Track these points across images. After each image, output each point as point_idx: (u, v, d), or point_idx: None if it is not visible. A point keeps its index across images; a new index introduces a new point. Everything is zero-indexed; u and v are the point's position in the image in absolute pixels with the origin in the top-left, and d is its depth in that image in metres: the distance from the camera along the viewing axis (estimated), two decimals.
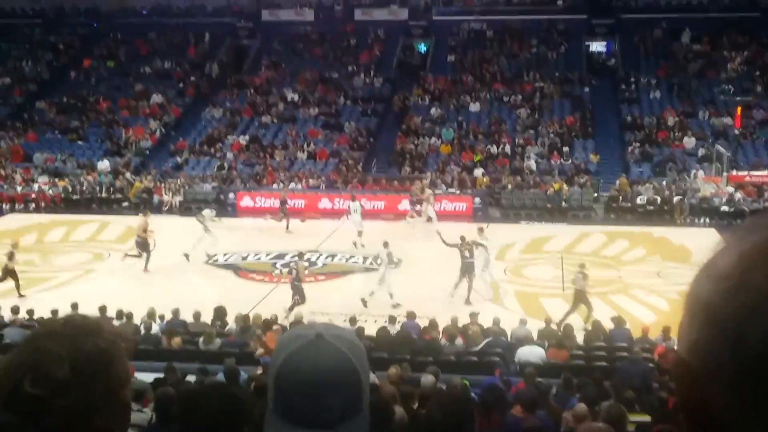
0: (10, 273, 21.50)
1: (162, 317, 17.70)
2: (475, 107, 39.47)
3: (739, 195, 30.04)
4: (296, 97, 41.12)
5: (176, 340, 16.11)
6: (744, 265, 0.82)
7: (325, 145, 37.40)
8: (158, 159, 37.88)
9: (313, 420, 1.56)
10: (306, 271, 21.09)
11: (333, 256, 25.43)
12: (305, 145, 37.22)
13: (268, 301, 20.73)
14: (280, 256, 25.34)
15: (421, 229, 27.50)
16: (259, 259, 25.43)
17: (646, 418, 9.49)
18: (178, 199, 32.92)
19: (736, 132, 34.25)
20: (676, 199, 29.85)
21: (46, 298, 20.27)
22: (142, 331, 16.68)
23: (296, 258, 21.86)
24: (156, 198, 33.06)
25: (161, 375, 12.14)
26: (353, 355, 1.61)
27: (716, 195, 30.11)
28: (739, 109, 34.11)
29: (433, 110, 39.24)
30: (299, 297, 19.80)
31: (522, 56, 43.41)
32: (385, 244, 21.14)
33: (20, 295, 21.02)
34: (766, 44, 41.11)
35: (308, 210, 31.74)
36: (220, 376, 12.08)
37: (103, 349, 1.62)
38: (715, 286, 0.83)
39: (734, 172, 30.60)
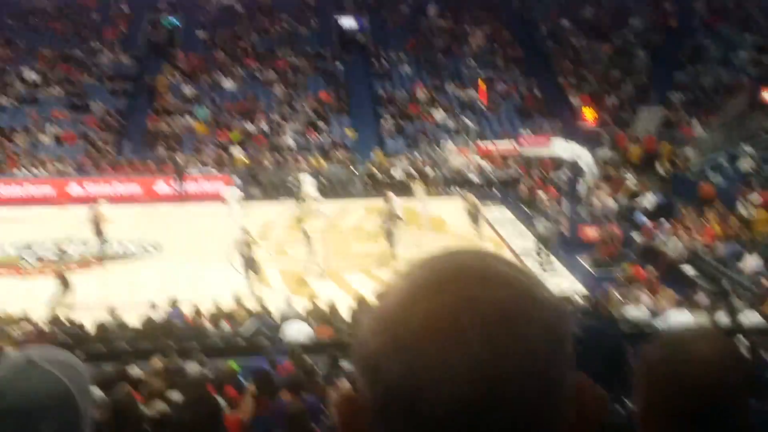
0: None
1: None
2: (228, 84, 38.84)
3: (487, 165, 31.69)
4: (35, 77, 38.53)
5: None
6: (389, 308, 0.89)
7: (72, 127, 35.39)
8: None
9: None
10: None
11: (86, 244, 24.15)
12: (49, 127, 35.01)
13: (16, 297, 19.31)
14: (27, 247, 23.75)
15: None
16: (3, 251, 23.68)
17: None
18: None
19: (481, 104, 36.00)
20: (429, 170, 30.94)
21: None
22: None
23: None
24: None
25: None
26: (68, 377, 1.55)
27: (466, 166, 31.54)
28: (482, 82, 35.84)
29: (185, 88, 38.19)
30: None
31: (273, 32, 43.19)
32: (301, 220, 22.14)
33: None
34: (504, 20, 43.46)
35: (59, 197, 30.00)
36: None
37: None
38: (366, 327, 0.90)
39: (481, 144, 32.16)
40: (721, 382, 1.64)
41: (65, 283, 18.83)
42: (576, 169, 26.05)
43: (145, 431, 5.04)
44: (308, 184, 27.28)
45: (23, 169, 31.94)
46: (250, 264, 20.05)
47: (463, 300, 0.86)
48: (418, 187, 27.41)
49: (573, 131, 32.05)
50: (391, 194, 23.87)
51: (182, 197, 30.19)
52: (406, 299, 0.88)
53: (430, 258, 0.93)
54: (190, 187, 30.84)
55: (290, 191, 29.85)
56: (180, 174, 30.71)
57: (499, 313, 0.86)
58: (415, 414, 0.83)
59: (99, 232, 23.33)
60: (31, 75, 38.57)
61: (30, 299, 18.45)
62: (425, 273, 0.90)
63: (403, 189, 27.87)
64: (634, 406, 1.73)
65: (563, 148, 27.53)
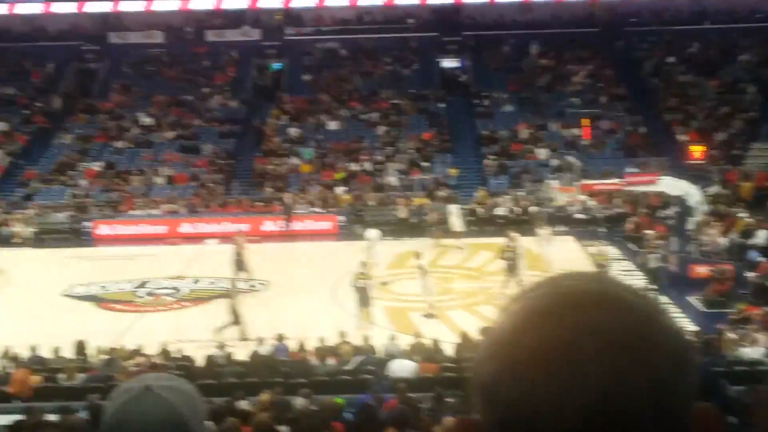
0: None
1: (15, 357, 16.82)
2: (333, 125, 39.59)
3: (591, 203, 31.31)
4: (150, 121, 40.13)
5: (35, 378, 15.35)
6: (503, 333, 0.90)
7: (183, 169, 36.66)
8: (6, 190, 36.11)
9: None
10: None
11: (197, 281, 24.87)
12: (162, 170, 36.34)
13: (132, 332, 20.04)
14: (143, 284, 24.60)
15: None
16: (120, 288, 24.59)
17: None
18: (30, 230, 31.46)
19: (585, 142, 35.65)
20: (533, 209, 30.72)
21: None
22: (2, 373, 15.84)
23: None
24: (6, 230, 31.50)
25: (21, 417, 11.55)
26: (183, 405, 1.61)
27: (571, 204, 31.23)
28: (586, 120, 35.53)
29: (291, 130, 39.11)
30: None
31: (377, 74, 43.89)
32: (417, 255, 21.73)
33: None
34: (608, 58, 43.09)
35: (171, 236, 31.03)
36: (84, 414, 11.59)
37: None
38: (482, 351, 0.92)
39: (585, 181, 31.81)
40: None
41: (236, 317, 19.42)
42: (685, 206, 25.49)
43: None
44: (454, 215, 27.24)
45: (138, 209, 33.14)
46: (364, 300, 20.37)
47: (583, 325, 0.84)
48: (537, 223, 27.36)
49: (680, 168, 31.42)
50: (514, 234, 23.75)
51: (289, 235, 30.74)
52: (524, 323, 0.87)
53: (546, 282, 0.93)
54: (296, 225, 31.45)
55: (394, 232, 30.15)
56: (288, 213, 31.32)
57: (620, 339, 0.84)
58: None
59: (240, 264, 23.95)
60: (146, 119, 40.20)
61: (143, 334, 19.11)
62: (543, 297, 0.89)
63: (507, 227, 27.74)
64: None
65: (671, 185, 26.98)
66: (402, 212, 31.31)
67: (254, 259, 24.80)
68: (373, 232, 25.53)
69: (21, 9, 44.43)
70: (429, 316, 20.91)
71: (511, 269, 22.18)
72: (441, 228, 28.37)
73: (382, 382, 14.91)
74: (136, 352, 16.52)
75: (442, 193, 33.39)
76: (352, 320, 20.00)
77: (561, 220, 30.60)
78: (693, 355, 0.91)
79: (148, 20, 46.40)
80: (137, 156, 37.86)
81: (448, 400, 12.86)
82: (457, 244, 27.49)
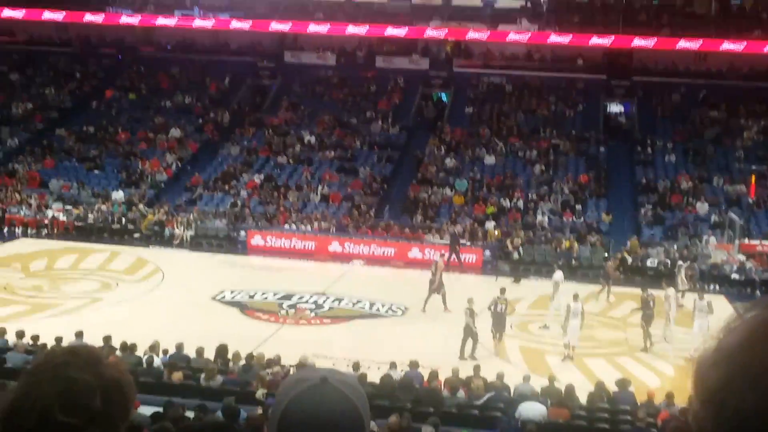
0: None
1: (165, 351, 17.69)
2: (490, 160, 39.62)
3: (750, 264, 29.96)
4: (313, 140, 41.38)
5: (177, 375, 16.06)
6: (734, 341, 0.86)
7: (339, 189, 37.56)
8: (172, 193, 38.09)
9: None
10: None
11: (340, 300, 25.41)
12: (319, 188, 37.38)
13: (272, 341, 20.69)
14: (287, 297, 25.34)
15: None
16: (266, 298, 25.43)
17: None
18: (189, 233, 33.04)
19: (750, 200, 34.23)
20: (680, 263, 29.31)
21: (52, 324, 20.30)
22: (144, 364, 16.66)
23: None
24: (167, 231, 33.21)
25: (160, 409, 12.12)
26: (357, 400, 1.64)
27: (727, 262, 30.02)
28: (753, 177, 34.12)
29: (448, 160, 39.40)
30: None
31: (539, 112, 43.63)
32: (575, 297, 21.41)
33: None
34: None
35: (318, 252, 31.83)
36: (219, 414, 12.04)
37: (121, 380, 1.65)
38: (708, 359, 0.88)
39: (746, 241, 30.52)
40: None
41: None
42: None
43: None
44: (558, 278, 25.42)
45: (292, 224, 34.18)
46: (499, 325, 20.60)
47: None
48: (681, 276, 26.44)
49: None
50: (671, 289, 23.26)
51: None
52: (759, 330, 0.85)
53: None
54: (436, 256, 31.51)
55: (540, 272, 29.82)
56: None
57: None
58: None
59: (436, 286, 24.41)
60: (309, 137, 41.47)
61: (283, 344, 19.69)
62: None
63: (656, 279, 27.00)
64: None
65: None
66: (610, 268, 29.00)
67: (396, 284, 25.11)
68: (559, 274, 25.15)
69: (204, 23, 46.82)
70: (567, 358, 20.61)
71: (648, 321, 21.61)
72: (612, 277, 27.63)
73: (511, 422, 14.79)
74: (274, 362, 17.01)
75: (592, 237, 32.78)
76: (488, 356, 19.95)
77: (715, 278, 29.44)
78: None
79: (323, 42, 47.95)
80: (297, 172, 39.09)
81: None
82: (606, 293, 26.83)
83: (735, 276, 29.41)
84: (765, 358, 0.81)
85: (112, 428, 1.60)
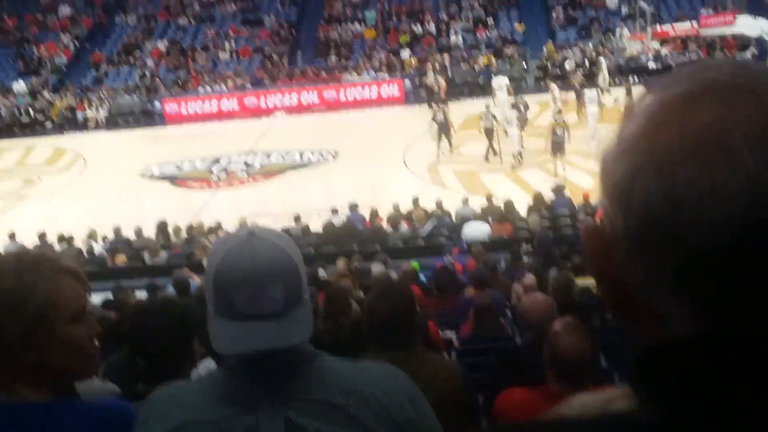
0: None
1: (104, 237, 17.46)
2: None
3: (665, 50, 30.26)
4: None
5: (121, 258, 15.94)
6: (635, 129, 0.80)
7: (248, 42, 36.50)
8: (76, 74, 36.61)
9: (257, 312, 1.60)
10: None
11: (269, 155, 25.14)
12: (226, 44, 36.25)
13: (208, 208, 20.52)
14: (216, 161, 24.99)
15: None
16: (195, 166, 25.02)
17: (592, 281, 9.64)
18: (102, 113, 32.00)
19: None
20: (603, 60, 29.70)
21: None
22: (86, 254, 16.45)
23: None
24: (80, 114, 32.12)
25: (110, 295, 12.04)
26: (287, 246, 1.66)
27: (643, 52, 30.23)
28: None
29: None
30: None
31: None
32: (512, 106, 22.43)
33: None
34: None
35: (240, 112, 31.23)
36: (171, 289, 12.01)
37: (19, 285, 1.67)
38: (612, 152, 0.82)
39: (658, 27, 30.65)
40: None
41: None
42: (764, 47, 24.48)
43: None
44: (502, 90, 25.15)
45: (206, 86, 33.31)
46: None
47: (729, 110, 0.76)
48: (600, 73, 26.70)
49: (759, 6, 29.97)
50: (553, 85, 23.61)
51: (356, 103, 30.38)
52: (660, 114, 0.79)
53: (679, 73, 0.84)
54: (357, 94, 31.22)
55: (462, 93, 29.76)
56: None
57: None
58: (676, 234, 0.75)
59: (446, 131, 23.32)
60: None
61: (220, 210, 19.55)
62: (679, 87, 0.80)
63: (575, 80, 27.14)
64: None
65: (750, 24, 25.86)
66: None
67: (322, 130, 24.90)
68: (500, 80, 25.27)
69: None
70: (515, 167, 21.11)
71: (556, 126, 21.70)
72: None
73: (457, 244, 15.09)
74: (215, 229, 16.93)
75: (509, 50, 32.64)
76: (424, 186, 20.15)
77: (633, 70, 29.72)
78: None
79: None
80: (201, 32, 37.77)
81: (524, 258, 12.98)
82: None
83: (652, 65, 29.70)
84: (666, 142, 0.76)
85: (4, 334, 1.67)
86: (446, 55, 32.63)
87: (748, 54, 27.02)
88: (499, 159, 21.77)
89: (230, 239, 1.67)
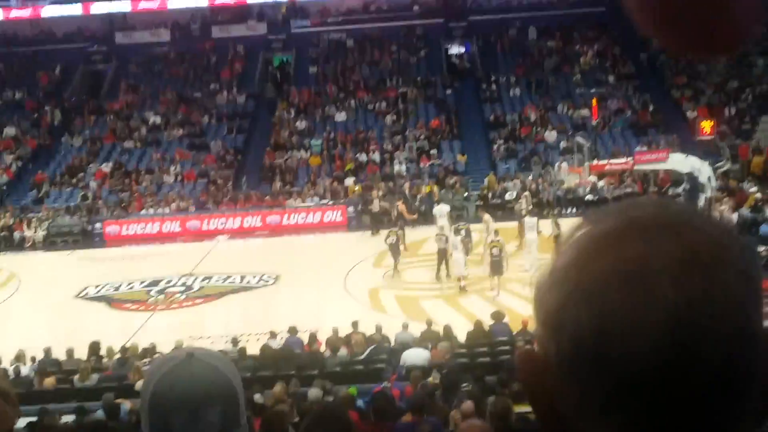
0: None
1: (33, 359, 16.91)
2: (341, 116, 39.54)
3: (601, 183, 31.14)
4: (158, 120, 40.18)
5: (49, 380, 15.40)
6: (567, 260, 0.85)
7: (193, 166, 36.71)
8: (16, 194, 36.29)
9: None
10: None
11: (209, 278, 24.91)
12: (171, 168, 36.39)
13: (145, 330, 20.11)
14: (155, 283, 24.66)
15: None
16: (132, 287, 24.64)
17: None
18: (41, 233, 31.57)
19: (594, 123, 35.45)
20: (542, 191, 30.51)
21: None
22: (12, 375, 15.88)
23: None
24: (17, 234, 31.63)
25: (35, 419, 11.58)
26: (227, 369, 1.62)
27: (580, 185, 31.05)
28: (594, 100, 35.31)
29: (299, 123, 39.07)
30: None
31: (384, 63, 43.75)
32: (456, 231, 22.87)
33: None
34: (615, 37, 42.74)
35: (182, 234, 31.09)
36: (100, 413, 11.61)
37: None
38: (545, 282, 0.87)
39: (595, 162, 31.62)
40: None
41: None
42: (695, 183, 25.33)
43: None
44: (443, 217, 25.93)
45: (149, 208, 33.20)
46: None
47: (652, 246, 0.82)
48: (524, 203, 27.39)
49: (690, 145, 31.23)
50: (486, 216, 24.35)
51: (299, 228, 30.56)
52: (589, 247, 0.84)
53: (610, 209, 0.90)
54: (300, 219, 31.38)
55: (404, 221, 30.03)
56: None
57: (691, 258, 0.81)
58: (604, 362, 0.78)
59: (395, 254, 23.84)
60: (154, 118, 40.24)
61: (156, 332, 19.17)
62: (607, 223, 0.86)
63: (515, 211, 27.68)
64: None
65: (681, 162, 26.81)
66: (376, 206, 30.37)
67: (264, 254, 24.84)
68: (442, 207, 26.34)
69: (26, 13, 44.48)
70: (462, 290, 21.38)
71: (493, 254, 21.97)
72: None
73: (396, 370, 14.90)
74: (149, 351, 16.55)
75: (451, 180, 33.28)
76: (365, 311, 20.04)
77: (571, 201, 30.46)
78: (759, 271, 0.88)
79: (154, 19, 46.43)
80: (146, 155, 37.94)
81: (463, 385, 12.84)
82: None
83: (589, 197, 30.48)
84: (595, 274, 0.82)
85: None
86: (390, 183, 33.19)
87: (680, 189, 27.89)
88: (447, 281, 22.00)
89: (169, 360, 1.64)
